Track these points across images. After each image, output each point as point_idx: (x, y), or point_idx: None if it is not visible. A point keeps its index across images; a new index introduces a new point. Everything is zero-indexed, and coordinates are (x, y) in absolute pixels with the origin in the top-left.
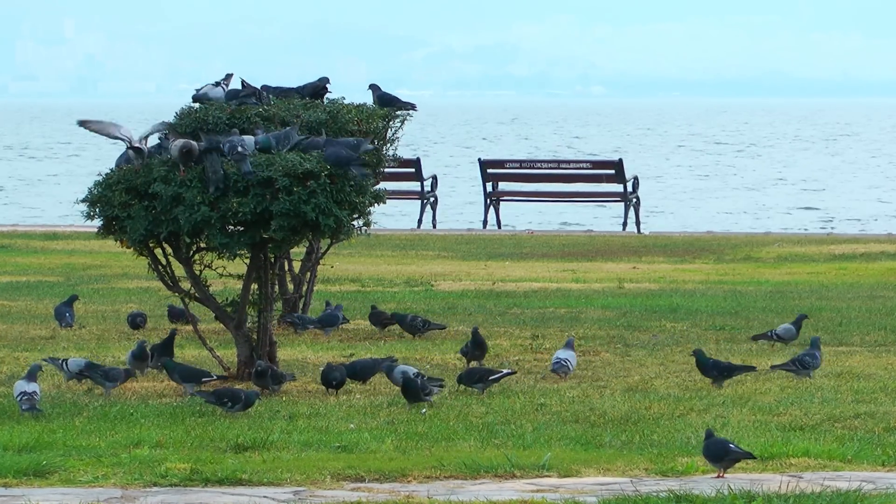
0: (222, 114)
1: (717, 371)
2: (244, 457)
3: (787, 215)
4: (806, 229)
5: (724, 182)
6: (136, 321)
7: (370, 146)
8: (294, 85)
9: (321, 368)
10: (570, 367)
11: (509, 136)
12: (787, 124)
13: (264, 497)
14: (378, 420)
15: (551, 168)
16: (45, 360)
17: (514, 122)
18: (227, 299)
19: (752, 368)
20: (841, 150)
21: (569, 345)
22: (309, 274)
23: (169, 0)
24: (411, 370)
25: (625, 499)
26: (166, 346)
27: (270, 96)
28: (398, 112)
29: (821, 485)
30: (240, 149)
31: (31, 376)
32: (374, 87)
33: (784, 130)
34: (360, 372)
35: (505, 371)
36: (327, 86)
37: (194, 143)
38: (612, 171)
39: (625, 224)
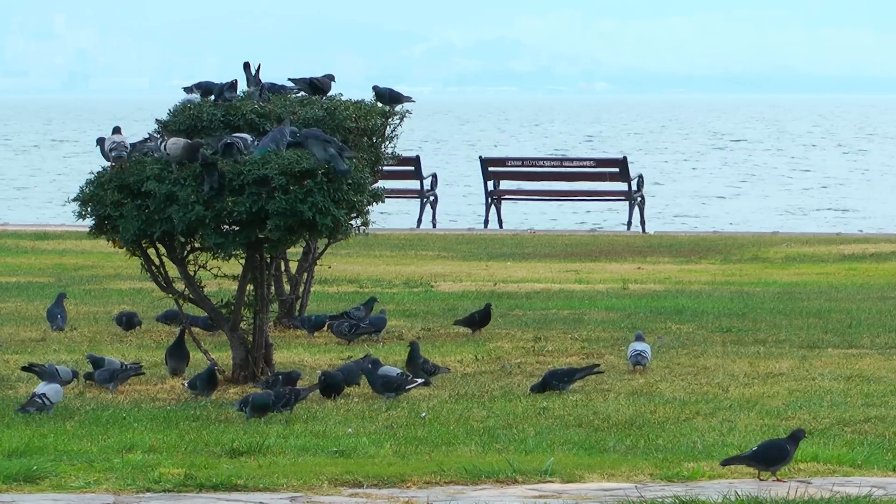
0: (217, 110)
1: (556, 380)
2: (239, 462)
3: None
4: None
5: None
6: (133, 321)
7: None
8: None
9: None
10: (648, 358)
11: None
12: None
13: (260, 503)
14: (377, 424)
15: (554, 166)
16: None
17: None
18: (222, 301)
19: (592, 369)
20: None
21: (639, 338)
22: (306, 275)
23: None
24: (395, 370)
25: None
26: (178, 346)
27: (267, 92)
28: (397, 109)
29: (830, 490)
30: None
31: (53, 377)
32: (376, 88)
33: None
34: (347, 377)
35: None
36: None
37: (200, 144)
38: (617, 170)
39: (629, 223)
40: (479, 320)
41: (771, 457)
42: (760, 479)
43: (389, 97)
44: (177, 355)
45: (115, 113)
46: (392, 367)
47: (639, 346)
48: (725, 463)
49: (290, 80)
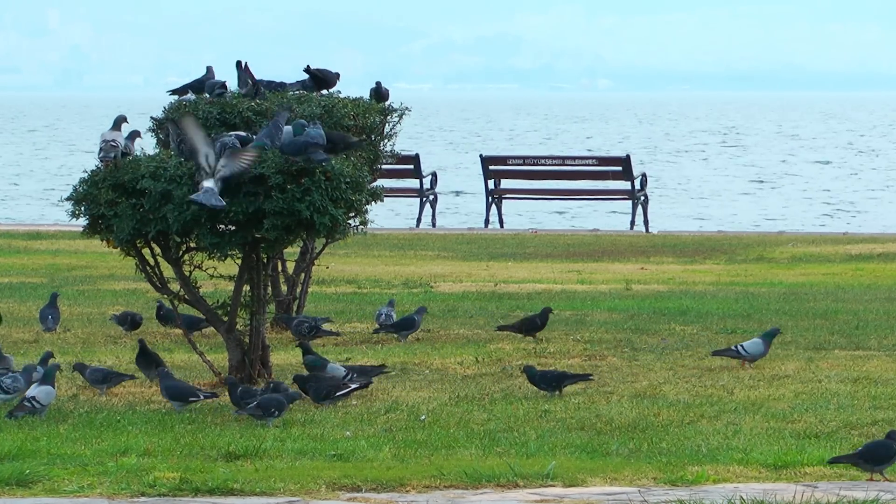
0: (213, 108)
1: (545, 383)
2: (236, 465)
3: None
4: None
5: None
6: (136, 320)
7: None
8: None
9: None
10: (744, 352)
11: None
12: None
13: None
14: (375, 427)
15: (556, 165)
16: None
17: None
18: (217, 301)
19: (587, 377)
20: None
21: (767, 334)
22: (303, 275)
23: None
24: (341, 369)
25: None
26: (144, 355)
27: (263, 90)
28: (395, 106)
29: (837, 495)
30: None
31: (47, 377)
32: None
33: None
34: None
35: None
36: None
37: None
38: (619, 168)
39: (632, 223)
40: (540, 325)
41: (878, 456)
42: (871, 480)
43: (382, 94)
44: (143, 364)
45: (111, 111)
46: (340, 366)
47: (747, 341)
48: (832, 461)
49: (300, 84)
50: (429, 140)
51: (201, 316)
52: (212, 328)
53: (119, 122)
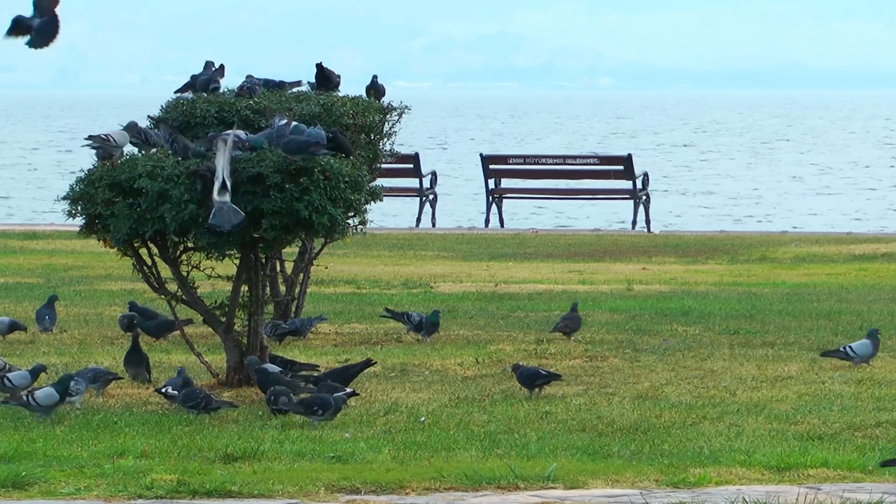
0: (211, 107)
1: (520, 381)
2: (234, 467)
3: None
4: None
5: None
6: (134, 322)
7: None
8: (287, 78)
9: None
10: (853, 353)
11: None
12: None
13: None
14: (375, 429)
15: (557, 164)
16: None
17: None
18: (215, 302)
19: (557, 377)
20: None
21: (870, 335)
22: (302, 275)
23: None
24: (276, 369)
25: None
26: (134, 352)
27: (262, 88)
28: (395, 105)
29: (840, 497)
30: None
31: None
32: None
33: None
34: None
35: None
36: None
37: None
38: (621, 168)
39: (634, 223)
40: (581, 320)
41: None
42: None
43: (379, 90)
44: (133, 362)
45: (105, 110)
46: (273, 366)
47: (854, 343)
48: (884, 464)
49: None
50: (441, 139)
51: (172, 318)
52: (177, 333)
53: (129, 128)
